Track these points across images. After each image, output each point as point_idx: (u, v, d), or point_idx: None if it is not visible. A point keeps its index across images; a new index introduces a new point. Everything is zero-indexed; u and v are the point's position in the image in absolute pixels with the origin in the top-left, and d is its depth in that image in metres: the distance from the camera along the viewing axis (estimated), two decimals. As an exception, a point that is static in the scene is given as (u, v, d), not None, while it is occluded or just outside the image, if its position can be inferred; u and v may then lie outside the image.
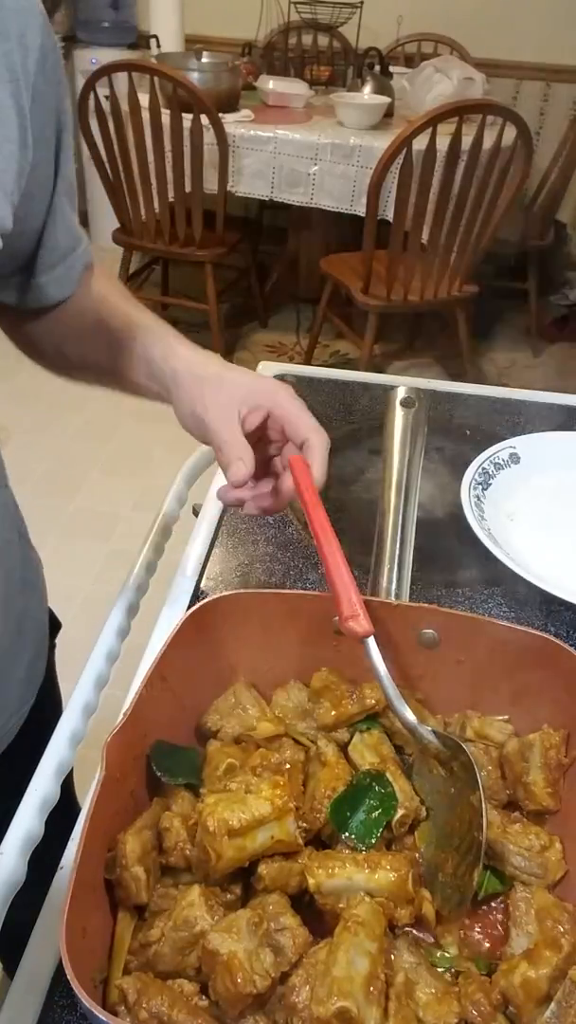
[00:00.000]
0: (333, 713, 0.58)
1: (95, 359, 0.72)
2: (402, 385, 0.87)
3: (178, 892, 0.49)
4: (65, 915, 0.40)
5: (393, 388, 0.86)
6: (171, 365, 0.65)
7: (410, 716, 0.55)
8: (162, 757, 0.54)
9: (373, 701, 0.58)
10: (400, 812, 0.53)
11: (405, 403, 0.82)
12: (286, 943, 0.46)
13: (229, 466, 0.60)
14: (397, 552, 0.70)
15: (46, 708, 0.80)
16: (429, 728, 0.55)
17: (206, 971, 0.44)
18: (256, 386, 0.64)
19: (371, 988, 0.43)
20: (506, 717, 0.60)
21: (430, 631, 0.60)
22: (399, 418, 0.82)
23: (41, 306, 0.70)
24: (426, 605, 0.62)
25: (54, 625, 0.84)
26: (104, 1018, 0.37)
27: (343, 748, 0.58)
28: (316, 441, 0.61)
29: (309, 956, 0.46)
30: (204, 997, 0.44)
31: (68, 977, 0.38)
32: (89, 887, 0.44)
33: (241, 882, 0.50)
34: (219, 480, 0.95)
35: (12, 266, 0.67)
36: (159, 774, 0.53)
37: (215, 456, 0.62)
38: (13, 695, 0.74)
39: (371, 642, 0.54)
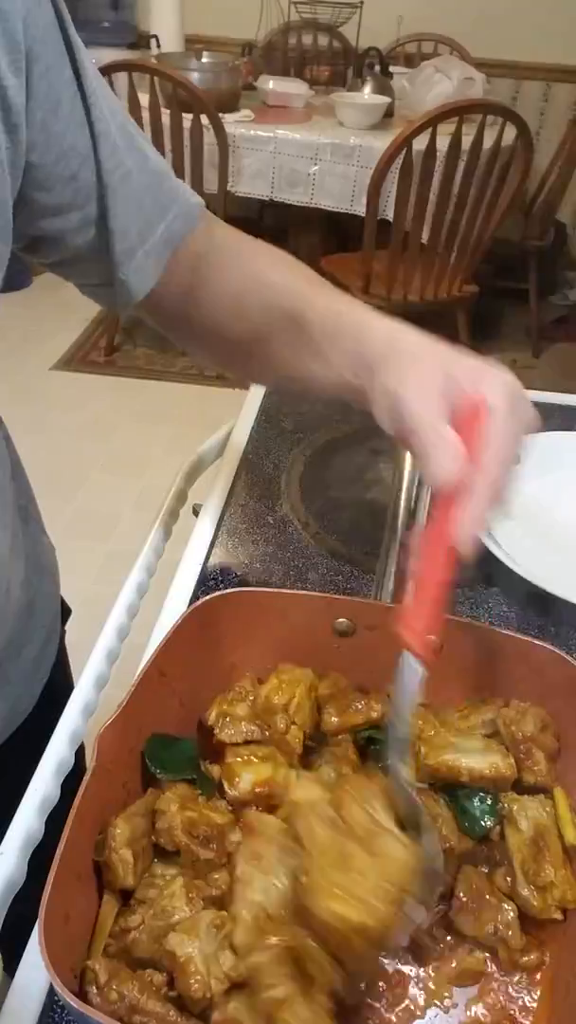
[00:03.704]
0: (336, 720, 0.58)
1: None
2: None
3: (163, 882, 0.49)
4: (46, 899, 0.40)
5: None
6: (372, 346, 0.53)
7: (404, 774, 0.49)
8: (156, 751, 0.54)
9: (378, 714, 0.58)
10: None
11: None
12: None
13: (428, 457, 0.46)
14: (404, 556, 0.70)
15: (57, 691, 0.80)
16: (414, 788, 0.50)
17: (168, 968, 0.44)
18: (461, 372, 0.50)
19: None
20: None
21: (431, 637, 0.60)
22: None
23: (132, 304, 0.62)
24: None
25: (65, 612, 0.85)
26: (75, 1004, 0.37)
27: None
28: (481, 484, 0.47)
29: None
30: (173, 989, 0.44)
31: (43, 961, 0.38)
32: (74, 874, 0.44)
33: (228, 875, 0.49)
34: (220, 480, 0.95)
35: (94, 270, 0.60)
36: (153, 770, 0.53)
37: (413, 446, 0.48)
38: (26, 674, 0.74)
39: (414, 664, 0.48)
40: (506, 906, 0.50)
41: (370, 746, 0.58)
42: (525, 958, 0.49)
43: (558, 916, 0.50)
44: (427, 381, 0.49)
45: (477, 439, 0.47)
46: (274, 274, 0.62)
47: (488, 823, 0.53)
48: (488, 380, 0.49)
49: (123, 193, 0.57)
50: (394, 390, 0.49)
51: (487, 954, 0.50)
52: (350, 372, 0.55)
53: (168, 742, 0.55)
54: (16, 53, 0.47)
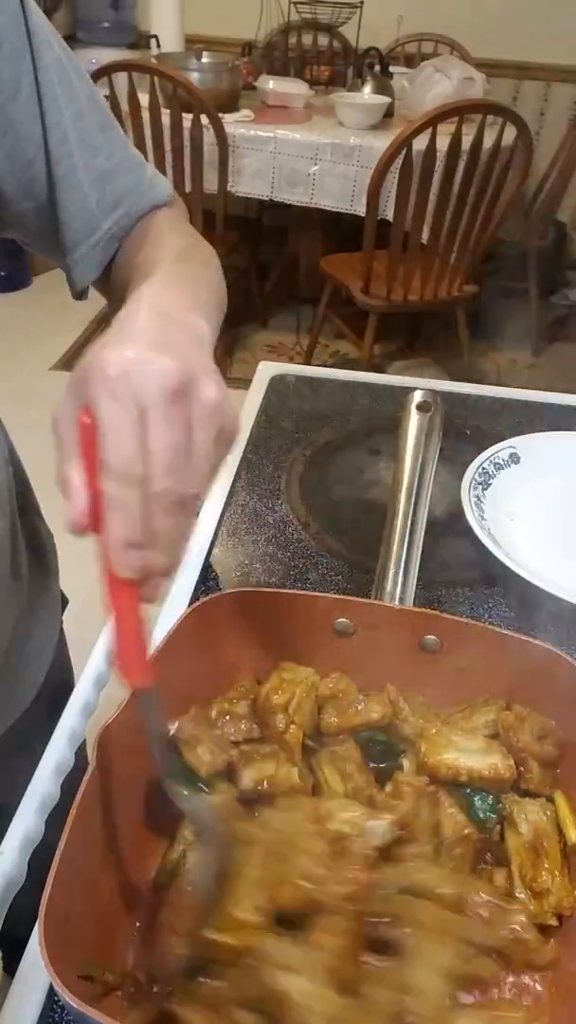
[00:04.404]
0: (335, 720, 0.58)
1: None
2: (408, 386, 0.87)
3: None
4: (46, 899, 0.40)
5: (391, 387, 0.85)
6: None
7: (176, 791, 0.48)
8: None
9: (377, 716, 0.58)
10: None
11: (421, 407, 0.82)
12: None
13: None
14: (403, 556, 0.70)
15: (57, 677, 0.80)
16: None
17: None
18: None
19: None
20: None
21: (431, 637, 0.60)
22: (414, 422, 0.81)
23: (79, 288, 0.64)
24: (428, 611, 0.61)
25: (63, 602, 0.86)
26: (76, 1004, 0.37)
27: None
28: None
29: None
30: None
31: (43, 961, 0.38)
32: (75, 873, 0.44)
33: None
34: (220, 480, 0.95)
35: (52, 252, 0.62)
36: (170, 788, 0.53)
37: None
38: (28, 660, 0.75)
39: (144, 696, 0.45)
40: (516, 906, 0.50)
41: (373, 747, 0.58)
42: (539, 957, 0.48)
43: (553, 922, 0.49)
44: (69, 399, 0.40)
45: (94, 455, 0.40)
46: (139, 255, 0.59)
47: (491, 820, 0.53)
48: (86, 378, 0.39)
49: (68, 185, 0.58)
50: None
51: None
52: None
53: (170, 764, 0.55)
54: None
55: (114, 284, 0.64)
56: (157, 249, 0.57)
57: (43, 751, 0.61)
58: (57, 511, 0.44)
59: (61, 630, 0.85)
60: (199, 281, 0.52)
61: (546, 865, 0.51)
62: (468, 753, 0.54)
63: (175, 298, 0.45)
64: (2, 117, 0.53)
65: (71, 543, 0.49)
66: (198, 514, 0.44)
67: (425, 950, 0.45)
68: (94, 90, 0.61)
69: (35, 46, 0.54)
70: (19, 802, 0.58)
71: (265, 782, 0.54)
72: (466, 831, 0.52)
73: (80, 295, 0.66)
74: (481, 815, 0.53)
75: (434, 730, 0.56)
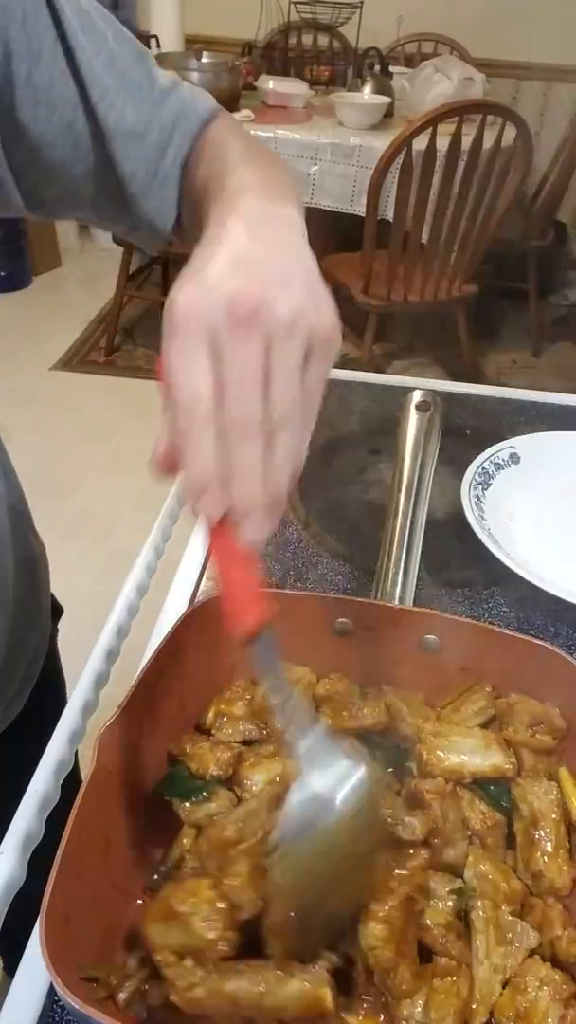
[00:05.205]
0: (330, 722, 0.58)
1: None
2: (408, 386, 0.87)
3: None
4: (46, 899, 0.40)
5: (391, 387, 0.85)
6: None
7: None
8: (169, 789, 0.54)
9: (371, 722, 0.58)
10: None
11: (421, 407, 0.82)
12: None
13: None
14: (403, 556, 0.70)
15: (48, 692, 0.80)
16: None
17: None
18: None
19: None
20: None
21: (431, 636, 0.60)
22: (413, 422, 0.81)
23: (163, 239, 0.58)
24: (428, 610, 0.61)
25: (56, 610, 0.85)
26: (76, 1004, 0.37)
27: None
28: None
29: None
30: None
31: (43, 961, 0.38)
32: (74, 874, 0.44)
33: None
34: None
35: (117, 215, 0.57)
36: (178, 805, 0.53)
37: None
38: (16, 676, 0.74)
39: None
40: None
41: (372, 747, 0.58)
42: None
43: (550, 902, 0.50)
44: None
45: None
46: (204, 168, 0.56)
47: (505, 804, 0.54)
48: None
49: (120, 135, 0.54)
50: None
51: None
52: None
53: (169, 778, 0.55)
54: None
55: (185, 208, 0.59)
56: (222, 161, 0.53)
57: (32, 768, 0.60)
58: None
59: (53, 639, 0.84)
60: (272, 172, 0.50)
61: (540, 847, 0.51)
62: (469, 754, 0.55)
63: (257, 198, 0.43)
64: (30, 85, 0.49)
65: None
66: (306, 441, 0.40)
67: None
68: (117, 25, 0.56)
69: (55, 3, 0.50)
70: (12, 807, 0.58)
71: (277, 780, 0.54)
72: (491, 822, 0.52)
73: (161, 244, 0.61)
74: (504, 803, 0.54)
75: (432, 733, 0.56)
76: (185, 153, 0.57)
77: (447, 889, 0.49)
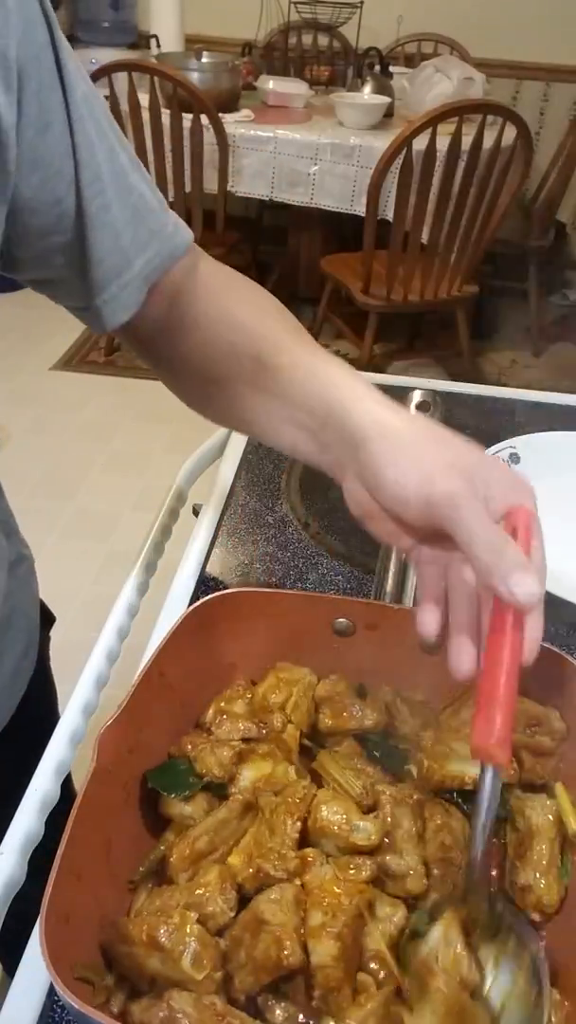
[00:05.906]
0: (330, 723, 0.58)
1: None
2: (408, 386, 0.87)
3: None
4: (46, 899, 0.40)
5: (391, 387, 0.85)
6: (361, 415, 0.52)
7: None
8: (157, 779, 0.54)
9: (371, 723, 0.58)
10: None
11: (421, 407, 0.82)
12: None
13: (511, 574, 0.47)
14: (403, 556, 0.70)
15: (39, 702, 0.80)
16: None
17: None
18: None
19: None
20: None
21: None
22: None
23: (106, 330, 0.62)
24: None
25: (48, 619, 0.84)
26: (76, 1004, 0.37)
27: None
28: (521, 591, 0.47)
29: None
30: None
31: (43, 961, 0.38)
32: (75, 875, 0.44)
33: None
34: (220, 480, 0.95)
35: (72, 293, 0.60)
36: (167, 796, 0.53)
37: (472, 552, 0.48)
38: (3, 685, 0.74)
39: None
40: None
41: (372, 747, 0.58)
42: None
43: (536, 918, 0.50)
44: (457, 485, 0.47)
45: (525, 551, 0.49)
46: (245, 314, 0.62)
47: (502, 812, 0.54)
48: (520, 489, 0.52)
49: (101, 223, 0.56)
50: (396, 480, 0.49)
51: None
52: (318, 438, 0.56)
53: (163, 767, 0.55)
54: (8, 71, 0.47)
55: (176, 335, 0.63)
56: (281, 324, 0.61)
57: (25, 778, 0.60)
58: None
59: (43, 650, 0.84)
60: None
61: (531, 862, 0.51)
62: (469, 761, 0.54)
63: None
64: (32, 152, 0.51)
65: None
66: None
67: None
68: (116, 126, 0.59)
69: (66, 81, 0.52)
70: (10, 811, 0.58)
71: (261, 783, 0.54)
72: (449, 841, 0.52)
73: (102, 332, 0.63)
74: (500, 812, 0.54)
75: (431, 739, 0.56)
76: (156, 268, 0.60)
77: (386, 909, 0.48)
